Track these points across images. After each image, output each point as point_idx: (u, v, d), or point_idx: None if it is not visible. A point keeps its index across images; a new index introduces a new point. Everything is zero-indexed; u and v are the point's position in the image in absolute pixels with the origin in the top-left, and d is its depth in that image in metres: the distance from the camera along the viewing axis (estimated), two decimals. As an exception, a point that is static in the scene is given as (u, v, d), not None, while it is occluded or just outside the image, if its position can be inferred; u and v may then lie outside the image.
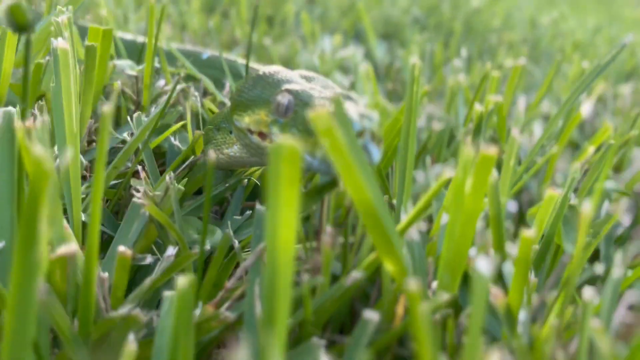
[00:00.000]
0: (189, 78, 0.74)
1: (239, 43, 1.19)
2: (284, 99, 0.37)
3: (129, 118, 0.49)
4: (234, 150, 0.44)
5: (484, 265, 0.21)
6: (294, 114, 0.36)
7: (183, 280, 0.24)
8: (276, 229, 0.23)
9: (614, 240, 0.52)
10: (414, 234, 0.33)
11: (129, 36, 0.78)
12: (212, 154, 0.33)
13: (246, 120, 0.40)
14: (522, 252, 0.27)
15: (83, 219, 0.39)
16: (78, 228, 0.37)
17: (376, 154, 0.32)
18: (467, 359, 0.23)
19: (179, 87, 0.60)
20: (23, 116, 0.29)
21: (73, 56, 0.35)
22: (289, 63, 1.11)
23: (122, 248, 0.30)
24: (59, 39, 0.35)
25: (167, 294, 0.28)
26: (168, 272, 0.35)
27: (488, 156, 0.27)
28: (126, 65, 0.61)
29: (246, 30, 1.21)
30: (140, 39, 0.75)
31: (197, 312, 0.32)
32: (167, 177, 0.38)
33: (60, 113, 0.34)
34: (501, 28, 1.71)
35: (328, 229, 0.34)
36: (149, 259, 0.39)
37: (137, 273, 0.39)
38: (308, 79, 0.42)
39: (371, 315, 0.30)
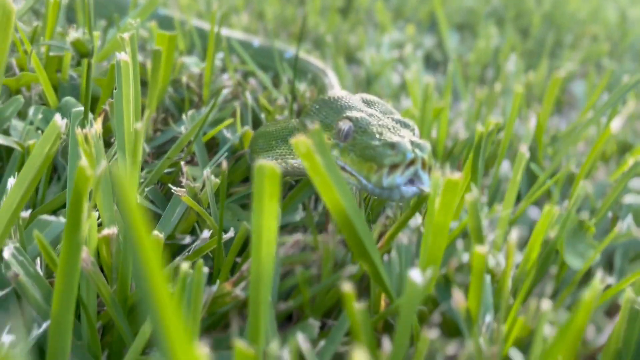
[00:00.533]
0: (250, 72, 0.81)
1: (311, 33, 1.24)
2: (344, 125, 0.41)
3: (183, 115, 0.56)
4: (298, 162, 0.47)
5: (417, 276, 0.26)
6: (353, 140, 0.40)
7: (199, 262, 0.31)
8: (260, 232, 0.28)
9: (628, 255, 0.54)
10: (403, 238, 0.38)
11: (205, 25, 0.86)
12: (275, 163, 0.39)
13: None
14: (475, 264, 0.31)
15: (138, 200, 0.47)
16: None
17: (427, 181, 0.37)
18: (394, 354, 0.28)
19: (236, 83, 0.67)
20: (83, 124, 0.37)
21: (133, 68, 0.43)
22: (352, 55, 1.15)
23: (155, 232, 0.37)
24: (122, 53, 0.42)
25: (184, 265, 0.34)
26: (199, 252, 0.43)
27: (453, 181, 0.31)
28: (192, 62, 0.68)
29: (317, 20, 1.26)
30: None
31: (215, 288, 0.38)
32: (205, 172, 0.45)
33: (121, 117, 0.41)
34: (586, 20, 1.65)
35: (330, 226, 0.40)
36: (187, 240, 0.46)
37: (178, 251, 0.47)
38: (369, 104, 0.46)
39: (357, 305, 0.35)
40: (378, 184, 0.37)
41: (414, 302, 0.26)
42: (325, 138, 0.40)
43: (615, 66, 1.43)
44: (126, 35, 0.43)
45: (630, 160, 0.69)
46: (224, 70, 0.77)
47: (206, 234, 0.44)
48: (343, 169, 0.40)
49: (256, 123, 0.67)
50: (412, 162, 0.36)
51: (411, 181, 0.37)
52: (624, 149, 0.87)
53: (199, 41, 0.85)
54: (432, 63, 1.35)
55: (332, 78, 0.79)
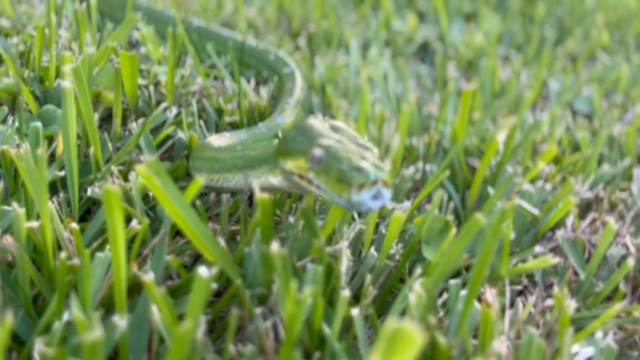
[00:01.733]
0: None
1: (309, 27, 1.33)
2: (317, 152, 0.50)
3: (134, 123, 0.69)
4: (278, 180, 0.57)
5: (204, 271, 0.38)
6: (326, 164, 0.49)
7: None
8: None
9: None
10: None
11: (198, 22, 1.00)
12: (254, 183, 0.55)
13: (289, 165, 0.52)
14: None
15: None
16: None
17: (387, 195, 0.48)
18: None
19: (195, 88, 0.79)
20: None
21: (82, 93, 0.55)
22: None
23: (73, 224, 0.50)
24: (66, 81, 0.55)
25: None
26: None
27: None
28: (162, 71, 0.81)
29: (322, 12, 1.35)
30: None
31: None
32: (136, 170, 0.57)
33: (66, 132, 0.54)
34: (594, 9, 1.65)
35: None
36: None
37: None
38: (336, 130, 0.54)
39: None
40: (348, 200, 0.48)
41: (200, 295, 0.38)
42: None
43: (610, 59, 1.44)
44: (67, 68, 0.55)
45: (540, 164, 0.76)
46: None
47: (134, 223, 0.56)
48: (318, 187, 0.50)
49: (209, 124, 0.79)
50: (374, 182, 0.47)
51: (375, 197, 0.48)
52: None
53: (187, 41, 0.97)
54: (430, 52, 1.42)
55: (297, 81, 0.89)
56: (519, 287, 0.64)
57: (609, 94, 1.28)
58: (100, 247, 0.54)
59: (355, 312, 0.47)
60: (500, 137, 0.71)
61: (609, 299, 0.66)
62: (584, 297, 0.63)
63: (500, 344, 0.47)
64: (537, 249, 0.65)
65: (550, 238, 0.75)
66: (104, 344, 0.31)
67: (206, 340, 0.43)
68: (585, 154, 0.88)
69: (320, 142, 0.51)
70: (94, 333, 0.31)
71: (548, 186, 0.78)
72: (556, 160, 0.90)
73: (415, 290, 0.46)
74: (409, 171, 0.74)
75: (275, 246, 0.45)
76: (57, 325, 0.43)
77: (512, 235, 0.67)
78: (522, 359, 0.43)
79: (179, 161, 0.70)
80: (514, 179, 0.78)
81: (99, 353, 0.33)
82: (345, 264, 0.50)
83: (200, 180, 0.54)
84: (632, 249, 0.70)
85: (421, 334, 0.29)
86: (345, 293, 0.46)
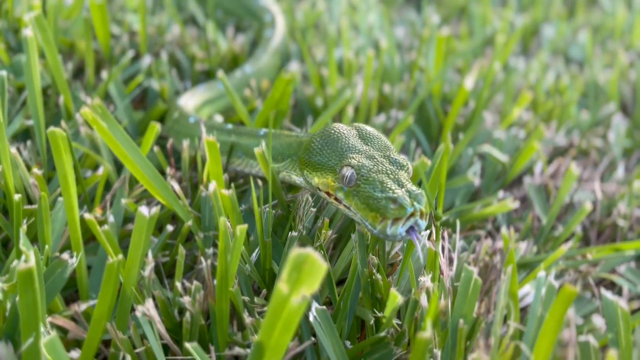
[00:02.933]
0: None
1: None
2: (347, 172, 0.46)
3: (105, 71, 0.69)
4: (301, 180, 0.54)
5: (144, 210, 0.39)
6: (357, 186, 0.45)
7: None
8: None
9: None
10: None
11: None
12: (280, 174, 0.52)
13: (316, 180, 0.49)
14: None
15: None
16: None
17: (423, 226, 0.44)
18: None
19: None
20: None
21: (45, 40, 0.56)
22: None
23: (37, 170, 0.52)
24: (28, 29, 0.56)
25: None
26: (89, 181, 0.57)
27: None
28: (136, 20, 0.81)
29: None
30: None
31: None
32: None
33: (30, 79, 0.55)
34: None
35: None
36: (89, 173, 0.61)
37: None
38: (365, 140, 0.50)
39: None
40: (382, 232, 0.44)
41: (140, 232, 0.40)
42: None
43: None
44: (28, 16, 0.56)
45: (515, 111, 0.76)
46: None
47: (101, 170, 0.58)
48: (347, 208, 0.46)
49: (184, 73, 0.79)
50: (412, 215, 0.43)
51: (410, 227, 0.44)
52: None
53: None
54: None
55: (277, 28, 0.89)
56: (483, 232, 0.65)
57: (606, 40, 1.25)
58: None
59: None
60: (468, 82, 0.71)
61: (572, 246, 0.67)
62: (544, 242, 0.65)
63: (437, 283, 0.48)
64: (501, 194, 0.66)
65: (521, 185, 0.75)
66: (35, 273, 0.33)
67: (154, 277, 0.45)
68: (563, 100, 0.87)
69: (350, 160, 0.46)
70: (27, 263, 0.33)
71: (522, 133, 0.78)
72: (536, 107, 0.90)
73: (358, 231, 0.47)
74: (379, 119, 0.74)
75: (225, 191, 0.46)
76: (15, 264, 0.45)
77: (478, 182, 0.68)
78: (460, 294, 0.45)
79: (151, 110, 0.71)
80: (485, 126, 0.78)
81: (32, 282, 0.35)
82: (302, 209, 0.51)
83: (156, 126, 0.55)
84: (599, 195, 0.71)
85: (324, 263, 0.30)
86: (294, 233, 0.48)
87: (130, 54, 0.71)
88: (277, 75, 0.81)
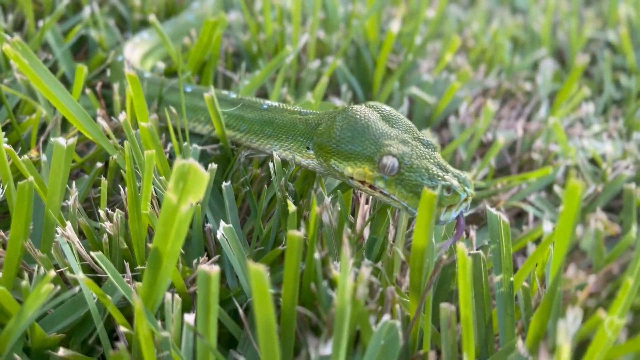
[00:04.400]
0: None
1: None
2: (389, 161, 0.44)
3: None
4: (308, 162, 0.51)
5: (61, 141, 0.42)
6: (399, 174, 0.44)
7: None
8: None
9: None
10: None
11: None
12: (280, 154, 0.51)
13: (349, 170, 0.47)
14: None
15: None
16: None
17: (468, 208, 0.44)
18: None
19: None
20: None
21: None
22: None
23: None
24: None
25: None
26: (23, 127, 0.60)
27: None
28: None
29: None
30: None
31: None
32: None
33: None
34: None
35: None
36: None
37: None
38: (390, 122, 0.48)
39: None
40: (435, 219, 0.42)
41: (59, 161, 0.43)
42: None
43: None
44: None
45: (447, 56, 0.79)
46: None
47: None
48: (389, 196, 0.45)
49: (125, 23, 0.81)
50: (465, 200, 0.43)
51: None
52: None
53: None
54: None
55: None
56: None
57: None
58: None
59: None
60: (394, 26, 0.74)
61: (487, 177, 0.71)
62: (464, 175, 0.69)
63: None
64: (426, 132, 0.70)
65: (449, 125, 0.79)
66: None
67: (78, 206, 0.48)
68: (495, 45, 0.91)
69: (390, 149, 0.45)
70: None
71: (453, 77, 0.82)
72: (469, 53, 0.93)
73: (276, 160, 0.51)
74: (314, 65, 0.77)
75: (144, 124, 0.49)
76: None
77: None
78: (375, 225, 0.48)
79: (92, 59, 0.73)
80: (419, 72, 0.82)
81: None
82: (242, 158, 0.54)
83: (84, 69, 0.58)
84: (520, 133, 0.75)
85: (205, 173, 0.34)
86: (227, 184, 0.52)
87: (66, 1, 0.72)
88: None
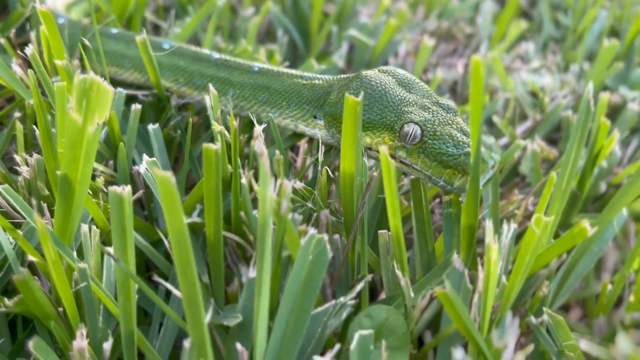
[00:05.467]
0: None
1: None
2: (411, 129, 0.42)
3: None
4: (314, 132, 0.48)
5: None
6: (422, 143, 0.41)
7: None
8: None
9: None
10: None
11: None
12: (280, 122, 0.47)
13: (367, 140, 0.44)
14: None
15: None
16: None
17: (492, 173, 0.41)
18: None
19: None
20: None
21: None
22: None
23: None
24: None
25: None
26: None
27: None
28: None
29: None
30: None
31: None
32: None
33: None
34: None
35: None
36: None
37: None
38: (407, 87, 0.45)
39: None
40: (461, 188, 0.40)
41: None
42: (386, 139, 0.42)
43: None
44: None
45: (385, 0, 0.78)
46: None
47: None
48: (411, 166, 0.42)
49: None
50: (492, 167, 0.41)
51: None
52: None
53: None
54: None
55: None
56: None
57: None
58: None
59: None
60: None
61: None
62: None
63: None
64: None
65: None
66: None
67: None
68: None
69: (412, 116, 0.42)
70: None
71: (393, 20, 0.81)
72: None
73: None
74: (248, 12, 0.75)
75: (59, 62, 0.46)
76: None
77: (341, 62, 0.70)
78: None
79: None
80: (360, 17, 0.80)
81: None
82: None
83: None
84: (460, 71, 0.75)
85: (110, 87, 0.32)
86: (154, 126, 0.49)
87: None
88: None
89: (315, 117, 0.48)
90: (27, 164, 0.47)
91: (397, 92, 0.44)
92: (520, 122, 0.68)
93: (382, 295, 0.46)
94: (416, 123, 0.42)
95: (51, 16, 0.47)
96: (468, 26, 0.88)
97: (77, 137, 0.33)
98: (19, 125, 0.46)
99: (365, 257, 0.41)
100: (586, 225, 0.36)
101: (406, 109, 0.43)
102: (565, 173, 0.41)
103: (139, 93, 0.56)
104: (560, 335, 0.37)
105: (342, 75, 0.49)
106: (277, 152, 0.42)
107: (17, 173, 0.46)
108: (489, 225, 0.34)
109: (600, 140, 0.49)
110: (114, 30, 0.57)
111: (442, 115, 0.43)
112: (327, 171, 0.40)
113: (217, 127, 0.40)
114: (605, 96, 0.59)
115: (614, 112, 0.70)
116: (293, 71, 0.51)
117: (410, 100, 0.44)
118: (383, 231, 0.41)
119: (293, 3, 0.81)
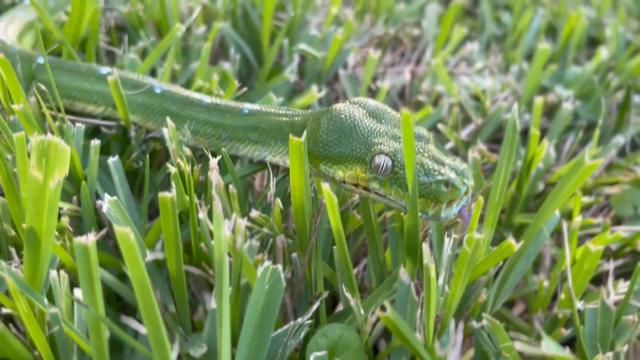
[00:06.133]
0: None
1: None
2: (382, 161, 0.42)
3: None
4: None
5: None
6: (394, 174, 0.42)
7: None
8: None
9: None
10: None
11: None
12: (271, 160, 0.49)
13: (340, 174, 0.44)
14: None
15: None
16: None
17: (468, 201, 0.42)
18: None
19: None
20: None
21: None
22: None
23: None
24: None
25: None
26: None
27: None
28: None
29: None
30: None
31: None
32: None
33: None
34: None
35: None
36: None
37: None
38: (377, 118, 0.45)
39: None
40: (436, 216, 0.41)
41: None
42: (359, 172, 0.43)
43: None
44: None
45: (333, 9, 0.80)
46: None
47: None
48: (384, 197, 0.43)
49: None
50: (465, 193, 0.41)
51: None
52: None
53: None
54: None
55: None
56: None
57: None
58: None
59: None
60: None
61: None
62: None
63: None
64: (314, 87, 0.72)
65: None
66: None
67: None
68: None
69: (381, 147, 0.43)
70: None
71: (340, 34, 0.83)
72: (356, 3, 0.95)
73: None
74: (200, 30, 0.76)
75: (16, 106, 0.48)
76: None
77: (293, 78, 0.73)
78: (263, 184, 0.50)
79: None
80: (309, 28, 0.83)
81: None
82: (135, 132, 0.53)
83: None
84: (408, 77, 0.78)
85: (66, 145, 0.34)
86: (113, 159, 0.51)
87: None
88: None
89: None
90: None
91: (367, 124, 0.45)
92: (465, 126, 0.72)
93: (340, 306, 0.50)
94: (386, 154, 0.42)
95: (7, 61, 0.48)
96: (415, 29, 0.91)
97: (39, 193, 0.35)
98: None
99: (320, 274, 0.44)
100: (512, 242, 0.40)
101: (376, 140, 0.43)
102: (497, 189, 0.45)
103: (102, 123, 0.58)
104: (498, 338, 0.41)
105: (316, 110, 0.50)
106: (232, 186, 0.45)
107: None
108: (425, 248, 0.38)
109: (532, 148, 0.53)
110: (81, 64, 0.59)
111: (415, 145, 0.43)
112: (279, 203, 0.43)
113: (172, 169, 0.43)
114: (539, 101, 0.63)
115: (552, 111, 0.75)
116: (278, 109, 0.52)
117: (381, 130, 0.44)
118: (336, 247, 0.44)
119: (243, 16, 0.83)
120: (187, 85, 0.68)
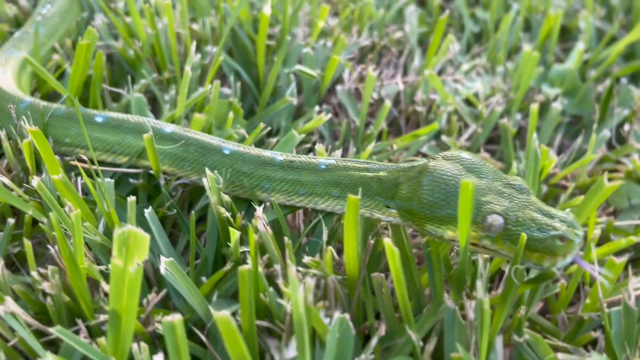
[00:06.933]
0: None
1: None
2: (495, 220, 0.44)
3: None
4: (390, 219, 0.50)
5: None
6: (507, 231, 0.43)
7: None
8: None
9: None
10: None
11: None
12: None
13: (449, 233, 0.46)
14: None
15: None
16: None
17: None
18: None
19: None
20: None
21: None
22: None
23: None
24: None
25: None
26: None
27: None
28: None
29: None
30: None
31: None
32: None
33: None
34: None
35: None
36: None
37: None
38: (476, 172, 0.47)
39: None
40: (552, 265, 0.43)
41: None
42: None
43: None
44: None
45: (319, 24, 0.82)
46: None
47: None
48: (497, 252, 0.45)
49: None
50: (578, 244, 0.43)
51: None
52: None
53: None
54: None
55: None
56: (309, 145, 0.72)
57: None
58: None
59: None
60: (266, 9, 0.75)
61: (382, 138, 0.77)
62: (361, 140, 0.74)
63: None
64: (317, 109, 0.74)
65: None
66: None
67: (7, 273, 0.48)
68: (362, 3, 0.95)
69: (492, 207, 0.44)
70: None
71: (329, 43, 0.85)
72: (340, 14, 0.96)
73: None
74: (195, 58, 0.77)
75: (55, 176, 0.49)
76: None
77: (296, 100, 0.74)
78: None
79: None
80: (297, 42, 0.84)
81: None
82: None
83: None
84: (401, 86, 0.81)
85: (145, 234, 0.36)
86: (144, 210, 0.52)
87: None
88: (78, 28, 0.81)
89: (388, 207, 0.51)
90: (43, 277, 0.49)
91: (476, 184, 0.46)
92: (464, 132, 0.76)
93: (383, 328, 0.53)
94: (498, 214, 0.44)
95: (42, 135, 0.49)
96: (397, 32, 0.93)
97: (120, 278, 0.37)
98: (27, 242, 0.48)
99: (370, 304, 0.48)
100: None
101: (484, 199, 0.45)
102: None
103: (130, 171, 0.59)
104: (540, 351, 0.46)
105: (404, 165, 0.51)
106: (286, 238, 0.48)
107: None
108: (479, 283, 0.41)
109: (542, 162, 0.57)
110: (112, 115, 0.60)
111: (518, 198, 0.45)
112: (332, 251, 0.46)
113: (252, 239, 0.44)
114: (534, 107, 0.67)
115: (541, 109, 0.79)
116: (356, 163, 0.53)
117: (484, 187, 0.45)
118: (375, 274, 0.47)
119: (232, 38, 0.84)
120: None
